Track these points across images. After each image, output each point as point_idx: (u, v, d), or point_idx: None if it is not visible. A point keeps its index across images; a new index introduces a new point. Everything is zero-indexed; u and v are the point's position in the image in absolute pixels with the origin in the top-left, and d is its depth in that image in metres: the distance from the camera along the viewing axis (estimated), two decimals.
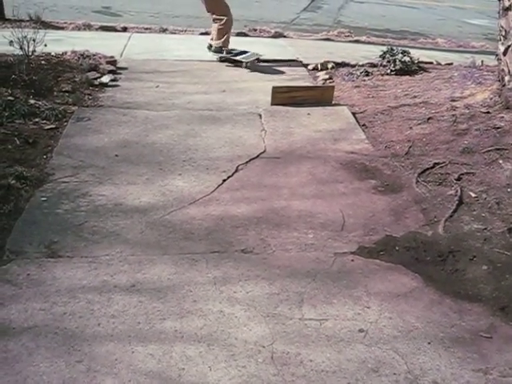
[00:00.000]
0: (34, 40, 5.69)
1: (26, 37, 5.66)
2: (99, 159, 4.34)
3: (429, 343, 2.71)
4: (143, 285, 2.98)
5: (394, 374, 2.51)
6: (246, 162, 4.44)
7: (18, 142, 4.43)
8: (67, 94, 5.59)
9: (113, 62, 6.79)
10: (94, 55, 6.88)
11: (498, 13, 5.42)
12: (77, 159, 4.30)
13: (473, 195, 4.04)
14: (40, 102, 5.23)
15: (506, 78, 5.24)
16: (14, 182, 3.79)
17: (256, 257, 3.29)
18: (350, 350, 2.64)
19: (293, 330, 2.73)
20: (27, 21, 7.95)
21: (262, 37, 9.30)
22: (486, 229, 3.66)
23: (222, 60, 7.28)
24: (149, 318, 2.75)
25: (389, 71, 6.98)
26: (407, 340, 2.72)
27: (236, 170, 4.30)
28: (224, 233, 3.50)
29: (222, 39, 7.10)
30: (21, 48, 5.71)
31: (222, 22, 7.01)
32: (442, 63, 7.82)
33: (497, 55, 5.54)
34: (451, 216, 3.80)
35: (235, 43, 8.34)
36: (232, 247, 3.37)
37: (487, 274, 3.24)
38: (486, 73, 6.58)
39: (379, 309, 2.92)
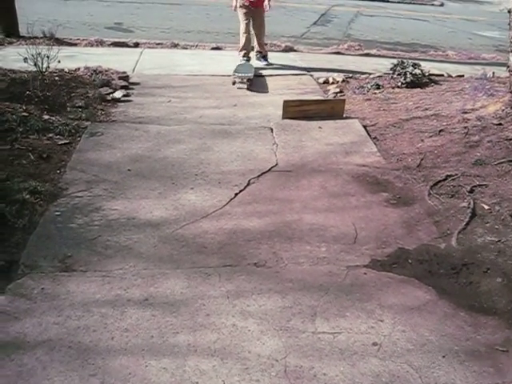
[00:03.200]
0: (47, 57, 5.78)
1: (40, 53, 5.75)
2: (112, 174, 4.37)
3: (443, 357, 2.69)
4: (156, 299, 2.99)
5: None
6: (258, 176, 4.46)
7: (32, 157, 4.47)
8: (80, 110, 5.64)
9: (125, 78, 6.87)
10: (106, 71, 6.96)
11: (509, 24, 5.43)
12: (90, 174, 4.34)
13: (486, 207, 4.02)
14: (54, 118, 5.29)
15: None
16: (28, 196, 3.83)
17: (268, 270, 3.29)
18: (364, 363, 2.63)
19: (306, 344, 2.73)
20: (41, 38, 8.08)
21: (273, 51, 9.34)
22: (499, 241, 3.64)
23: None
24: (162, 332, 2.75)
25: (399, 84, 6.99)
26: (421, 353, 2.70)
27: (248, 184, 4.32)
28: (236, 246, 3.51)
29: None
30: (35, 65, 5.80)
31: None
32: (453, 75, 7.81)
33: (508, 66, 5.54)
34: (464, 228, 3.78)
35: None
36: (244, 261, 3.37)
37: (502, 286, 3.22)
38: (497, 84, 6.57)
39: (392, 322, 2.91)
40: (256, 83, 7.00)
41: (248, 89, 6.82)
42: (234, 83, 6.94)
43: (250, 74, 7.01)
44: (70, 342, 2.66)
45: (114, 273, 3.19)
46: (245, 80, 6.89)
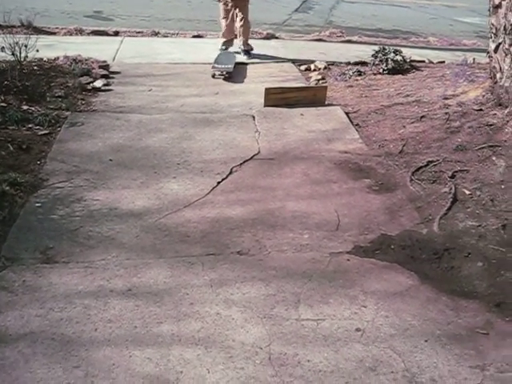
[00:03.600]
0: (25, 46, 5.68)
1: (17, 43, 5.65)
2: (93, 164, 4.33)
3: (426, 341, 2.72)
4: (139, 289, 2.98)
5: (392, 372, 2.52)
6: (240, 164, 4.44)
7: (11, 148, 4.42)
8: (60, 100, 5.57)
9: (105, 67, 6.78)
10: (86, 60, 6.86)
11: (489, 10, 5.44)
12: (71, 164, 4.30)
13: (467, 192, 4.06)
14: (33, 108, 5.23)
15: (498, 75, 5.25)
16: (8, 188, 3.78)
17: (252, 258, 3.30)
18: (348, 349, 2.65)
19: (290, 331, 2.74)
20: (19, 26, 7.94)
21: (254, 38, 9.26)
22: (480, 226, 3.67)
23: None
24: (146, 322, 2.75)
25: (381, 70, 6.99)
26: (404, 338, 2.73)
27: (230, 172, 4.31)
28: (219, 235, 3.51)
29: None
30: (13, 54, 5.70)
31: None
32: (434, 62, 7.84)
33: (488, 53, 5.55)
34: (446, 214, 3.81)
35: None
36: (228, 249, 3.37)
37: (482, 270, 3.25)
38: (477, 70, 6.60)
39: (375, 308, 2.93)
40: (237, 72, 6.93)
41: (225, 80, 6.65)
42: (213, 76, 6.73)
43: (230, 66, 6.80)
44: (53, 334, 2.65)
45: (96, 263, 3.17)
46: (224, 72, 6.72)
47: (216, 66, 6.80)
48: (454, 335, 2.77)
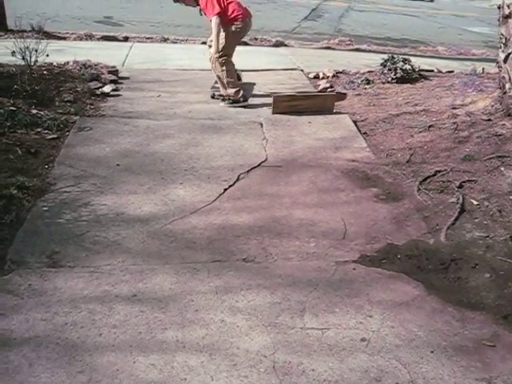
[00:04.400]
0: (36, 50, 5.73)
1: (28, 47, 5.70)
2: (101, 169, 4.34)
3: (432, 352, 2.69)
4: (144, 294, 2.98)
5: (397, 383, 2.50)
6: (248, 171, 4.44)
7: (19, 152, 4.44)
8: (69, 104, 5.61)
9: (114, 72, 6.82)
10: (95, 65, 6.92)
11: (498, 20, 5.44)
12: (78, 169, 4.31)
13: (475, 203, 4.04)
14: (42, 112, 5.25)
15: (507, 86, 5.24)
16: (15, 191, 3.80)
17: (257, 266, 3.29)
18: (353, 359, 2.63)
19: (295, 340, 2.72)
20: (29, 31, 8.00)
21: (263, 46, 9.34)
22: (488, 236, 3.65)
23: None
24: (150, 328, 2.74)
25: (390, 79, 7.00)
26: (410, 349, 2.71)
27: (237, 179, 4.30)
28: (225, 242, 3.50)
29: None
30: (23, 58, 5.75)
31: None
32: (443, 71, 7.84)
33: (497, 62, 5.54)
34: (453, 224, 3.79)
35: (236, 52, 8.40)
36: (233, 256, 3.36)
37: (490, 281, 3.23)
38: (486, 80, 6.59)
39: (381, 318, 2.91)
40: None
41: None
42: (213, 97, 6.19)
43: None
44: (58, 338, 2.64)
45: (102, 268, 3.17)
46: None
47: (215, 85, 6.29)
48: (460, 347, 2.74)
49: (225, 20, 5.59)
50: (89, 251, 3.33)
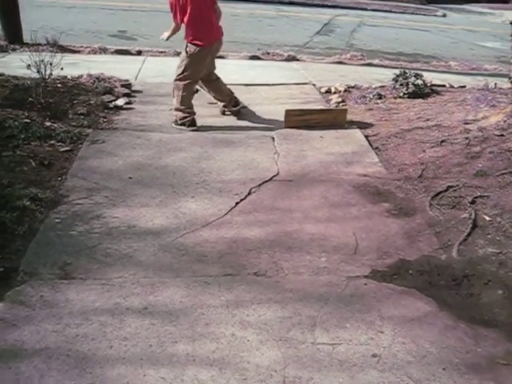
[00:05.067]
0: (50, 64, 5.80)
1: (43, 60, 5.77)
2: (113, 181, 4.37)
3: (443, 369, 2.67)
4: (155, 307, 2.98)
5: None
6: (259, 185, 4.45)
7: (33, 164, 4.48)
8: (82, 117, 5.65)
9: (127, 85, 6.88)
10: (109, 78, 6.98)
11: (511, 36, 5.44)
12: (91, 181, 4.34)
13: (487, 218, 4.01)
14: (56, 125, 5.30)
15: None
16: (28, 203, 3.83)
17: (268, 280, 3.28)
18: (363, 375, 2.61)
19: (305, 355, 2.71)
20: (44, 45, 8.08)
21: (275, 60, 9.37)
22: (500, 253, 3.62)
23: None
24: (161, 341, 2.74)
25: (402, 94, 6.99)
26: (421, 366, 2.69)
27: (249, 193, 4.31)
28: (237, 256, 3.50)
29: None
30: (38, 71, 5.82)
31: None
32: (455, 86, 7.82)
33: (510, 78, 5.55)
34: (465, 239, 3.77)
35: (249, 67, 8.45)
36: (244, 270, 3.36)
37: (503, 298, 3.20)
38: (499, 95, 6.58)
39: (393, 333, 2.89)
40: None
41: (234, 115, 6.08)
42: (223, 113, 6.16)
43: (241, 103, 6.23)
44: (69, 350, 2.65)
45: (113, 281, 3.18)
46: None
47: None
48: (472, 364, 2.71)
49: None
50: (100, 263, 3.34)
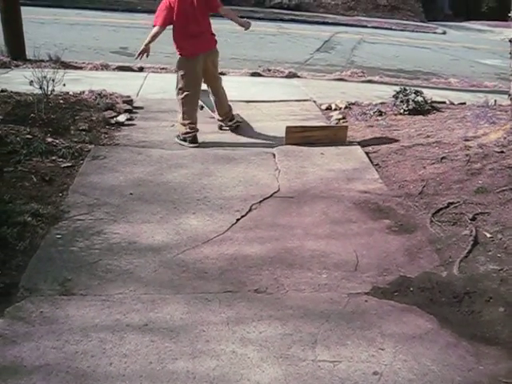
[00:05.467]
0: (53, 80, 5.83)
1: (45, 77, 5.80)
2: (114, 197, 4.38)
3: None
4: (156, 324, 2.97)
5: None
6: (260, 202, 4.46)
7: (34, 180, 4.49)
8: (84, 133, 5.67)
9: (129, 102, 6.92)
10: (110, 94, 7.02)
11: (510, 53, 5.47)
12: (92, 197, 4.35)
13: (488, 235, 4.01)
14: (57, 141, 5.32)
15: None
16: (30, 219, 3.83)
17: (269, 297, 3.27)
18: None
19: (306, 372, 2.70)
20: (47, 61, 8.17)
21: (276, 77, 9.43)
22: (502, 270, 3.61)
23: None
24: (161, 358, 2.73)
25: (402, 111, 7.02)
26: (423, 383, 2.67)
27: (250, 210, 4.31)
28: (237, 272, 3.50)
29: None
30: (40, 87, 5.85)
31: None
32: (455, 103, 7.86)
33: (509, 95, 5.57)
34: (466, 256, 3.76)
35: (250, 84, 8.50)
36: (245, 287, 3.35)
37: (504, 315, 3.19)
38: (499, 112, 6.60)
39: (394, 351, 2.88)
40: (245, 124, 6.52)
41: (233, 131, 6.12)
42: (220, 127, 6.19)
43: (240, 119, 6.34)
44: (68, 367, 2.64)
45: (113, 297, 3.17)
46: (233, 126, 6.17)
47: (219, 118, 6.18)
48: (474, 382, 2.70)
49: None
50: (101, 279, 3.33)
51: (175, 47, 5.61)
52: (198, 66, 5.58)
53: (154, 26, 5.52)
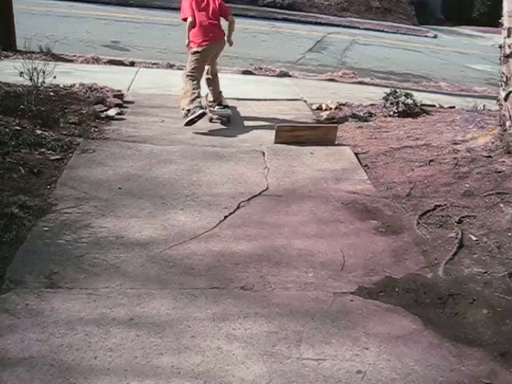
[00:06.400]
0: (43, 72, 5.79)
1: (36, 68, 5.77)
2: (102, 191, 4.37)
3: None
4: (141, 319, 2.97)
5: None
6: (248, 200, 4.46)
7: (23, 172, 4.46)
8: (73, 126, 5.65)
9: (120, 96, 6.89)
10: (101, 88, 6.98)
11: (500, 59, 5.52)
12: (80, 191, 4.33)
13: (473, 238, 4.05)
14: (46, 133, 5.29)
15: (508, 123, 5.30)
16: (17, 210, 3.82)
17: (255, 294, 3.29)
18: None
19: (290, 370, 2.71)
20: (38, 53, 8.10)
21: (268, 75, 9.43)
22: (486, 272, 3.66)
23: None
24: (146, 353, 2.73)
25: (392, 113, 7.06)
26: (406, 383, 2.70)
27: (238, 207, 4.32)
28: (224, 269, 3.50)
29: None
30: (30, 79, 5.81)
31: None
32: (445, 106, 7.91)
33: (498, 100, 5.61)
34: (451, 259, 3.80)
35: (241, 81, 8.50)
36: (232, 284, 3.36)
37: (487, 318, 3.23)
38: (487, 117, 6.65)
39: (378, 350, 2.90)
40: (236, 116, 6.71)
41: (223, 124, 6.35)
42: (210, 120, 6.38)
43: (229, 111, 6.52)
44: (53, 359, 2.63)
45: (99, 291, 3.17)
46: (224, 118, 6.42)
47: (213, 109, 6.48)
48: (456, 383, 2.73)
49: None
50: (87, 273, 3.33)
51: (192, 36, 6.13)
52: (206, 56, 6.21)
53: (183, 19, 6.21)
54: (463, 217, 4.33)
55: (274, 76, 9.43)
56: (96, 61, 9.05)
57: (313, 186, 4.83)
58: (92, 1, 16.27)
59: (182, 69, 9.13)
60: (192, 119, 5.95)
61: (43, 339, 2.76)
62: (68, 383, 2.51)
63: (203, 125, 6.16)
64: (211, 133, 6.01)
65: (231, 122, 6.38)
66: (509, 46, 5.30)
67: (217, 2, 6.24)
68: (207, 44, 6.12)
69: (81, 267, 3.38)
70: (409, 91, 7.61)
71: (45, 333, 2.80)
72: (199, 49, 6.11)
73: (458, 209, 4.45)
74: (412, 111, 7.15)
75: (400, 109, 7.07)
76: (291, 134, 5.76)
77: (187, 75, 6.19)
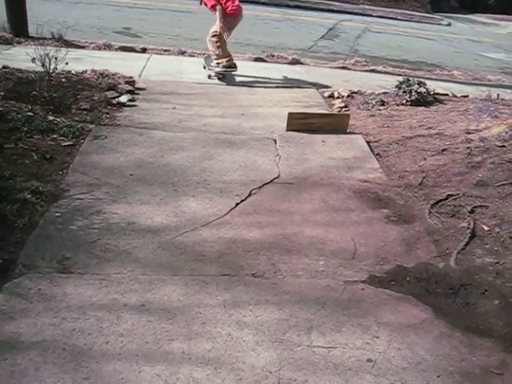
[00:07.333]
0: (55, 58, 5.80)
1: (48, 54, 5.78)
2: (114, 178, 4.38)
3: (438, 376, 2.68)
4: (153, 305, 2.99)
5: None
6: (260, 187, 4.46)
7: (35, 157, 4.48)
8: (85, 112, 5.66)
9: (131, 82, 6.89)
10: (113, 75, 6.99)
11: None
12: (92, 177, 4.34)
13: (486, 228, 4.03)
14: (58, 119, 5.31)
15: None
16: (29, 196, 3.83)
17: (266, 281, 3.29)
18: (358, 379, 2.62)
19: (301, 357, 2.72)
20: (50, 39, 8.12)
21: (279, 63, 9.39)
22: (498, 263, 3.64)
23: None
24: (157, 338, 2.75)
25: (404, 101, 7.01)
26: (416, 372, 2.70)
27: (249, 194, 4.32)
28: (235, 256, 3.51)
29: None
30: (42, 65, 5.82)
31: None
32: (458, 95, 7.85)
33: None
34: (463, 248, 3.78)
35: (253, 69, 8.47)
36: (243, 271, 3.37)
37: (499, 308, 3.21)
38: (501, 106, 6.60)
39: (388, 339, 2.90)
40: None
41: (220, 80, 7.60)
42: (209, 76, 7.66)
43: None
44: (65, 344, 2.66)
45: (111, 277, 3.19)
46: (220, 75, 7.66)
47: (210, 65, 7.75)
48: (467, 373, 2.73)
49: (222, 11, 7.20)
50: (99, 259, 3.35)
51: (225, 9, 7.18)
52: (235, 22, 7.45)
53: (211, 7, 7.22)
54: (475, 207, 4.30)
55: (285, 63, 9.38)
56: (107, 47, 9.04)
57: (324, 174, 4.81)
58: None
59: (193, 56, 9.15)
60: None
61: (56, 323, 2.78)
62: (80, 367, 2.53)
63: (215, 113, 6.15)
64: (223, 120, 6.00)
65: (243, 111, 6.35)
66: None
67: None
68: None
69: (92, 253, 3.40)
70: (422, 80, 7.56)
71: (57, 317, 2.82)
72: None
73: (470, 198, 4.42)
74: (425, 100, 7.10)
75: (413, 97, 7.02)
76: (303, 122, 5.74)
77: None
